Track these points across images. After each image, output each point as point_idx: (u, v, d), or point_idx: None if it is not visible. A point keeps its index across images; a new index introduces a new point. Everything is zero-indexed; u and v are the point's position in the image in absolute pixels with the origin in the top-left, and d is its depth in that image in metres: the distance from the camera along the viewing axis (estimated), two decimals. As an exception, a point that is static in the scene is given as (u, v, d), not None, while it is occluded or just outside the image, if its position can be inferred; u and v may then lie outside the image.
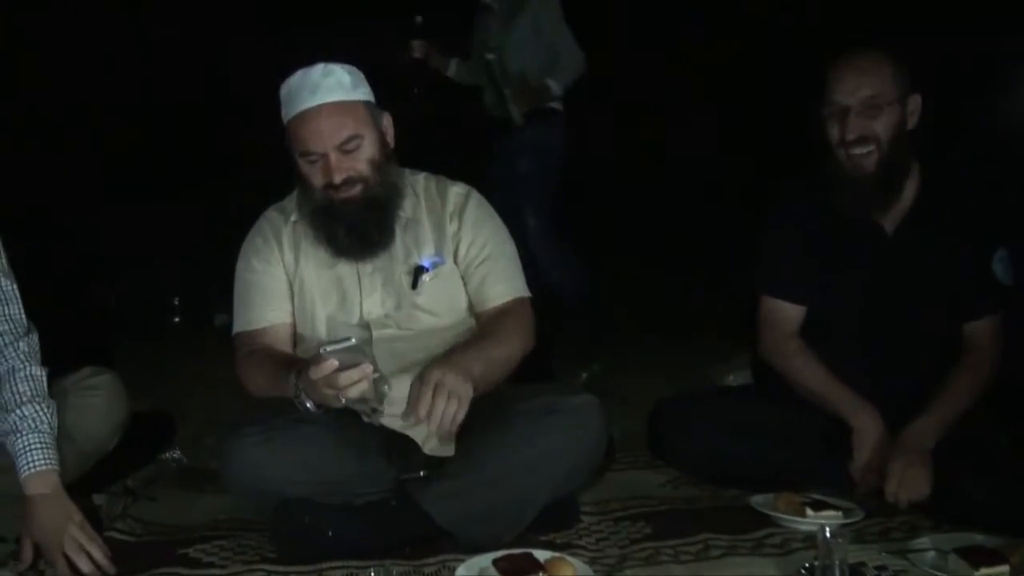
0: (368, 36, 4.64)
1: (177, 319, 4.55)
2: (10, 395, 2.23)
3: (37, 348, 2.38)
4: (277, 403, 2.20)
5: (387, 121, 2.42)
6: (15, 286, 2.42)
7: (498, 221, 2.52)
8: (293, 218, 2.45)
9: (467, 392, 2.12)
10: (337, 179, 2.28)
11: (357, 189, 2.31)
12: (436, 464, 2.28)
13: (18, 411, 2.19)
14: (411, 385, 2.17)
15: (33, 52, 6.63)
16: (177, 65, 7.17)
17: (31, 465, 2.14)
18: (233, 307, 2.49)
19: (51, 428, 2.21)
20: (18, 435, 2.16)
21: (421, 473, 2.27)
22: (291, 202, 2.49)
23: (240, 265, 2.49)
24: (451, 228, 2.45)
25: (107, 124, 6.72)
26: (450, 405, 2.09)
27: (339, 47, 2.51)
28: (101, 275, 4.79)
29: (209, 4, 7.25)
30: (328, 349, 2.04)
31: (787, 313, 2.61)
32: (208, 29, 7.28)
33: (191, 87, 7.08)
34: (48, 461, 2.16)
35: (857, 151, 2.44)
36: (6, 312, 2.39)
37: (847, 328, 2.55)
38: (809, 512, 2.26)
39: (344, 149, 2.29)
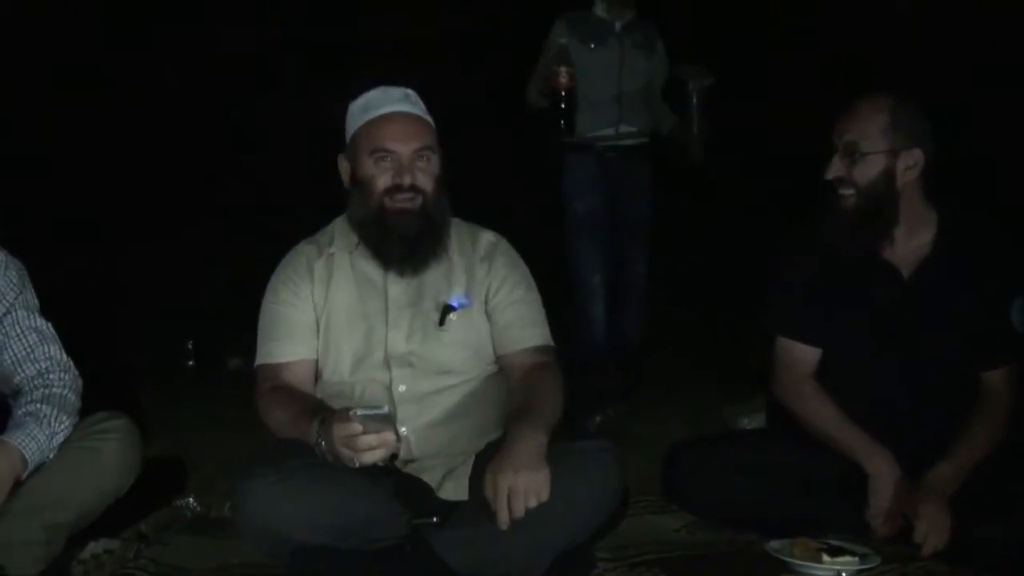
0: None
1: (191, 363, 4.56)
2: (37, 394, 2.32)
3: (79, 388, 2.43)
4: (290, 444, 2.22)
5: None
6: (50, 325, 2.47)
7: (526, 269, 2.54)
8: (329, 251, 2.47)
9: (544, 481, 2.10)
10: (407, 180, 2.34)
11: (417, 202, 2.36)
12: (450, 508, 2.28)
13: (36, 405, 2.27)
14: (485, 482, 2.13)
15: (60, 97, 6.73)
16: (199, 110, 7.26)
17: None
18: (257, 338, 2.49)
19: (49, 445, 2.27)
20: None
21: (434, 519, 2.26)
22: (324, 235, 2.52)
23: (268, 296, 2.49)
24: (481, 271, 2.47)
25: (125, 168, 6.79)
26: (531, 503, 2.08)
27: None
28: (115, 318, 4.81)
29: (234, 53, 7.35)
30: (360, 413, 2.07)
31: (801, 354, 2.61)
32: (232, 72, 7.39)
33: (212, 130, 7.17)
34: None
35: (839, 190, 2.50)
36: (47, 351, 2.42)
37: (861, 371, 2.54)
38: (826, 558, 2.24)
39: (418, 156, 2.36)
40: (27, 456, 2.24)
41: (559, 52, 3.88)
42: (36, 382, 2.39)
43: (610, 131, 4.08)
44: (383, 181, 2.36)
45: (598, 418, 3.63)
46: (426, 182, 2.37)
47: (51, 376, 2.40)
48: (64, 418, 2.33)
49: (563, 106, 3.77)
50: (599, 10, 4.09)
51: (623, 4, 4.08)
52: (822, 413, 2.54)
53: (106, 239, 6.19)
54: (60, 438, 2.31)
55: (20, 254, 2.52)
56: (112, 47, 7.03)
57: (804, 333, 2.60)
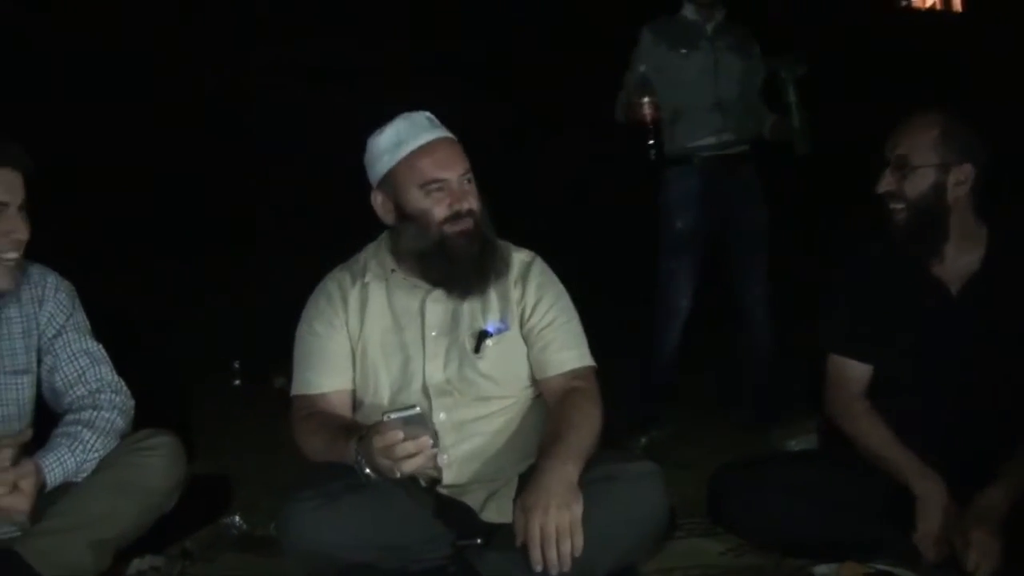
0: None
1: (237, 381, 4.59)
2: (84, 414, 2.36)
3: (128, 410, 2.47)
4: (334, 467, 2.21)
5: None
6: (101, 347, 2.51)
7: (561, 288, 2.51)
8: (364, 279, 2.45)
9: (575, 519, 2.09)
10: (464, 207, 2.34)
11: (471, 223, 2.36)
12: (493, 530, 2.27)
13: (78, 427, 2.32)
14: (515, 518, 2.13)
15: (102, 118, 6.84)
16: (244, 126, 7.36)
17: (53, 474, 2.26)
18: (293, 368, 2.49)
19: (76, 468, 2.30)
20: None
21: (478, 540, 2.25)
22: (358, 263, 2.50)
23: (302, 327, 2.48)
24: (515, 294, 2.45)
25: (170, 185, 6.89)
26: (563, 546, 2.07)
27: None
28: (162, 338, 4.86)
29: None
30: (392, 416, 2.06)
31: (853, 372, 2.58)
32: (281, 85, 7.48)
33: (256, 149, 7.25)
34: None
35: (889, 204, 2.49)
36: (98, 373, 2.46)
37: (910, 390, 2.52)
38: (873, 583, 2.22)
39: (465, 179, 2.37)
40: (48, 480, 2.26)
41: (640, 82, 3.73)
42: (85, 402, 2.43)
43: (711, 140, 3.85)
44: (440, 211, 2.34)
45: (644, 440, 3.60)
46: (474, 203, 2.38)
47: (101, 397, 2.44)
48: (101, 442, 2.36)
49: (651, 141, 3.62)
50: (688, 12, 3.90)
51: (712, 5, 3.88)
52: (872, 433, 2.51)
53: (154, 258, 6.27)
54: (92, 463, 2.34)
55: (69, 276, 2.56)
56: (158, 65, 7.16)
57: (855, 350, 2.58)
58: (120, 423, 2.43)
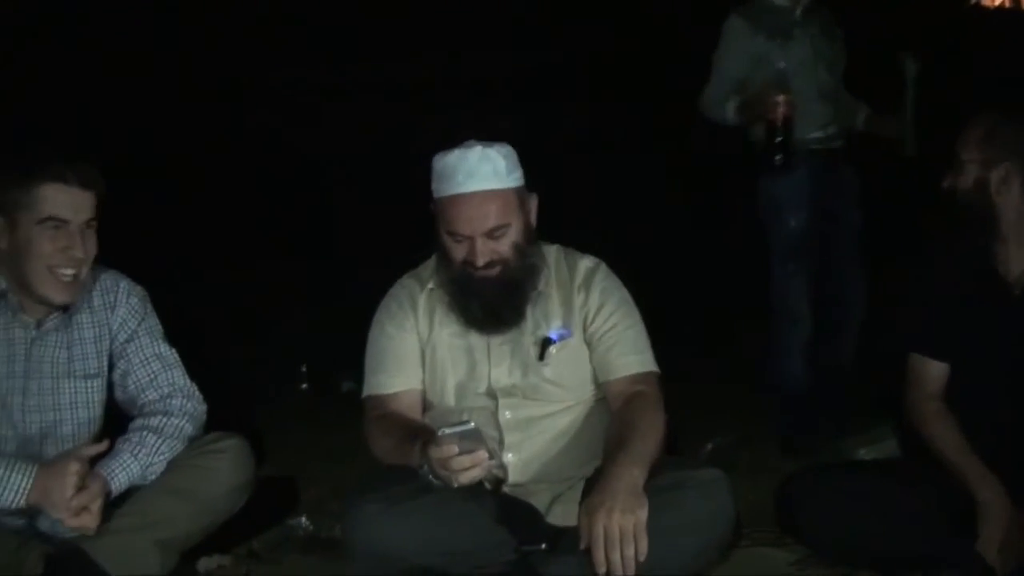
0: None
1: (304, 385, 4.64)
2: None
3: (199, 416, 2.52)
4: (400, 470, 2.26)
5: (533, 203, 2.48)
6: (174, 352, 2.56)
7: (625, 293, 2.53)
8: (430, 286, 2.51)
9: (640, 523, 2.09)
10: (480, 262, 2.35)
11: (496, 270, 2.37)
12: (558, 534, 2.29)
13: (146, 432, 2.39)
14: (579, 521, 2.14)
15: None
16: (315, 128, 7.45)
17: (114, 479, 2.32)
18: (364, 370, 2.55)
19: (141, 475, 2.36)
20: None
21: (543, 545, 2.27)
22: (426, 270, 2.56)
23: (374, 329, 2.55)
24: (578, 300, 2.48)
25: (237, 191, 6.99)
26: (627, 549, 2.07)
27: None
28: (230, 340, 4.93)
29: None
30: (447, 432, 2.10)
31: (929, 370, 2.57)
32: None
33: (321, 154, 7.34)
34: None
35: (951, 201, 2.54)
36: (170, 378, 2.52)
37: (977, 392, 2.50)
38: (943, 598, 2.18)
39: (491, 236, 2.36)
40: (113, 487, 2.32)
41: (777, 77, 3.51)
42: (156, 407, 2.48)
43: (818, 133, 3.63)
44: (459, 255, 2.39)
45: (709, 446, 3.56)
46: (504, 251, 2.38)
47: (172, 402, 2.49)
48: (167, 446, 2.41)
49: (779, 139, 3.42)
50: None
51: None
52: (943, 435, 2.50)
53: (225, 262, 6.37)
54: (159, 467, 2.39)
55: (139, 281, 2.61)
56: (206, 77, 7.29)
57: (932, 348, 2.57)
58: (189, 428, 2.48)
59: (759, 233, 3.73)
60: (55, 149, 2.41)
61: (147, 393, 2.51)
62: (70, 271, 2.36)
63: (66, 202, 2.33)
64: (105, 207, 2.44)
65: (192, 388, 2.55)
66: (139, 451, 2.37)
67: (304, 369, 4.65)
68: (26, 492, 2.23)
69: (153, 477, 2.38)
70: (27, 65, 6.66)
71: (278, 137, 7.47)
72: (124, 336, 2.53)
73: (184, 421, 2.47)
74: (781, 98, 3.40)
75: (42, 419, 2.44)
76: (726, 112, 3.60)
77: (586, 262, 2.54)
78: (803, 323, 3.65)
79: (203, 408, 2.55)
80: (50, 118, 6.11)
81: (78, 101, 6.63)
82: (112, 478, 2.31)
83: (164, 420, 2.44)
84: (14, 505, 2.24)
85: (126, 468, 2.34)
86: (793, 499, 2.60)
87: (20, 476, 2.23)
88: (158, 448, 2.39)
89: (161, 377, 2.52)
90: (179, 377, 2.55)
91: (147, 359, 2.53)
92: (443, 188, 2.38)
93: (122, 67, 6.94)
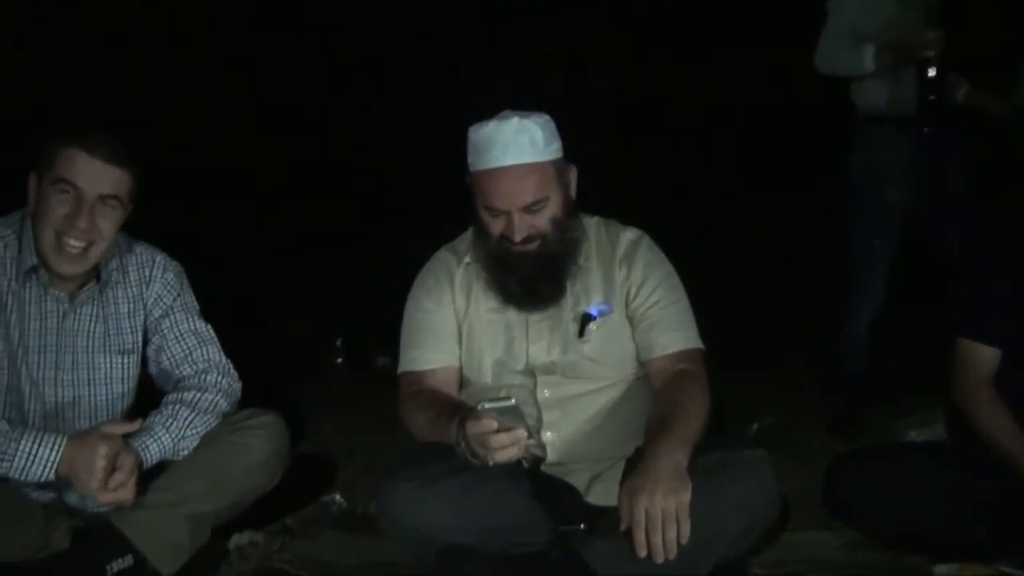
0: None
1: (340, 360, 4.67)
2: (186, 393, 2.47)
3: (234, 392, 2.55)
4: (436, 447, 2.26)
5: (572, 175, 2.46)
6: (210, 328, 2.59)
7: (669, 267, 2.51)
8: (467, 260, 2.51)
9: (683, 502, 2.06)
10: (518, 238, 2.34)
11: (535, 245, 2.36)
12: (598, 514, 2.29)
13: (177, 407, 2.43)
14: (620, 502, 2.12)
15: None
16: (347, 105, 7.46)
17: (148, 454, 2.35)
18: (400, 345, 2.55)
19: (173, 448, 2.39)
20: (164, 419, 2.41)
21: (581, 525, 2.28)
22: (463, 243, 2.55)
23: (410, 304, 2.55)
24: (620, 274, 2.46)
25: (275, 166, 7.04)
26: (669, 531, 2.05)
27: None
28: (264, 315, 4.97)
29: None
30: (487, 406, 2.09)
31: (982, 356, 2.54)
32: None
33: (353, 127, 7.35)
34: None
35: None
36: (205, 354, 2.55)
37: None
38: (996, 587, 2.17)
39: (528, 211, 2.34)
40: (145, 459, 2.35)
41: (926, 14, 3.34)
42: (191, 382, 2.51)
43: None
44: (497, 230, 2.38)
45: (755, 426, 3.55)
46: (543, 225, 2.36)
47: (207, 378, 2.52)
48: (200, 420, 2.44)
49: (930, 74, 3.28)
50: None
51: None
52: (994, 420, 2.47)
53: (260, 236, 6.41)
54: (191, 440, 2.42)
55: (176, 255, 2.64)
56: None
57: (985, 333, 2.54)
58: (223, 404, 2.50)
59: (838, 202, 3.63)
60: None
61: (182, 368, 2.54)
62: (78, 244, 2.37)
63: (83, 170, 2.34)
64: (139, 194, 2.45)
65: (227, 364, 2.58)
66: (171, 424, 2.40)
67: (339, 343, 4.67)
68: (54, 466, 2.25)
69: (185, 452, 2.41)
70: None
71: (328, 111, 7.50)
72: (159, 311, 2.55)
73: (219, 396, 2.49)
74: (934, 35, 3.29)
75: (75, 393, 2.48)
76: (862, 60, 3.38)
77: (628, 234, 2.52)
78: (875, 301, 3.58)
79: (238, 385, 2.57)
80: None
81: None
82: (144, 450, 2.34)
83: (199, 395, 2.46)
84: (42, 479, 2.27)
85: (158, 440, 2.37)
86: (842, 481, 2.59)
87: (48, 450, 2.25)
88: (191, 422, 2.42)
89: (196, 353, 2.55)
90: (215, 353, 2.57)
91: (182, 335, 2.56)
92: (479, 162, 2.36)
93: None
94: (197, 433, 2.43)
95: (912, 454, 2.80)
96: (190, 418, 2.42)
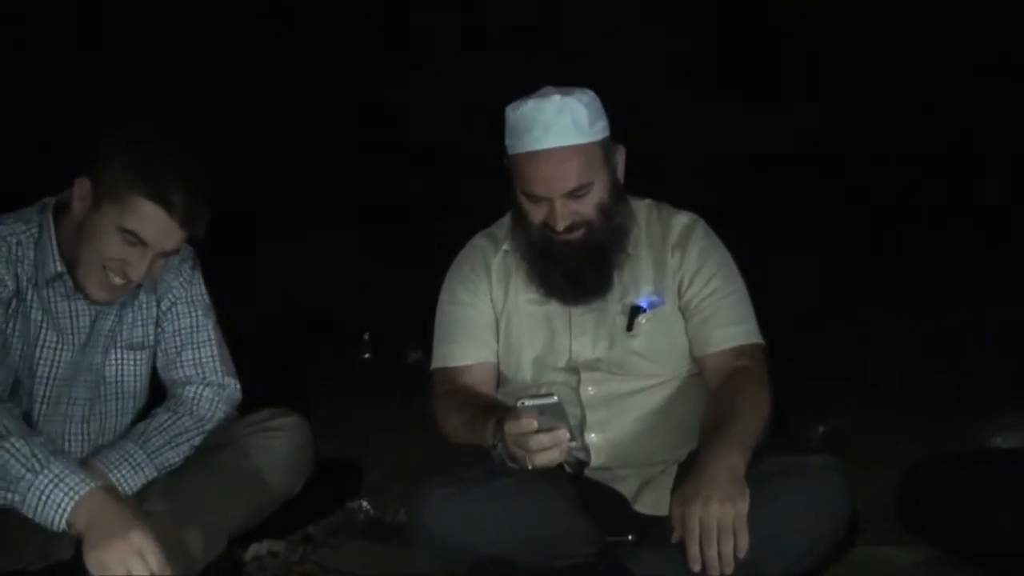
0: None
1: (367, 355, 4.68)
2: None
3: (230, 398, 2.53)
4: (471, 450, 2.23)
5: (620, 156, 2.41)
6: (211, 323, 2.58)
7: (726, 254, 2.48)
8: (505, 247, 2.48)
9: (739, 515, 2.02)
10: (560, 226, 2.30)
11: (579, 233, 2.34)
12: (648, 524, 2.25)
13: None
14: (671, 511, 2.09)
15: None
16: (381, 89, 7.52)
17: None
18: (433, 339, 2.52)
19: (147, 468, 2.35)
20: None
21: (630, 536, 2.24)
22: (501, 229, 2.53)
23: (445, 296, 2.53)
24: (673, 263, 2.43)
25: (300, 153, 7.11)
26: (725, 544, 2.01)
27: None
28: (290, 309, 4.97)
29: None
30: (527, 403, 2.06)
31: None
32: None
33: (382, 116, 7.41)
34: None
35: None
36: (195, 356, 2.55)
37: None
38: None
39: (572, 197, 2.30)
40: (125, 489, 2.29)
41: None
42: (170, 402, 2.50)
43: None
44: (537, 217, 2.34)
45: (821, 429, 3.52)
46: (588, 212, 2.32)
47: (186, 392, 2.51)
48: (176, 448, 2.40)
49: None
50: None
51: None
52: None
53: (284, 228, 6.45)
54: (170, 463, 2.37)
55: (200, 249, 2.60)
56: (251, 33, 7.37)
57: None
58: (218, 413, 2.49)
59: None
60: (189, 160, 2.33)
61: (168, 372, 2.54)
62: (121, 281, 2.35)
63: (157, 228, 2.30)
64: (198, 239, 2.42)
65: (217, 369, 2.53)
66: (148, 448, 2.37)
67: (367, 337, 4.67)
68: (64, 515, 2.02)
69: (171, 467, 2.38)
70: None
71: (368, 94, 7.57)
72: (167, 304, 2.54)
73: (216, 407, 2.49)
74: None
75: (88, 394, 2.46)
76: None
77: (682, 219, 2.48)
78: None
79: (229, 390, 2.53)
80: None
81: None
82: (122, 483, 2.30)
83: (171, 419, 2.44)
84: (55, 528, 2.05)
85: (138, 470, 2.34)
86: (919, 492, 2.50)
87: (62, 494, 2.03)
88: (162, 452, 2.38)
89: (185, 354, 2.53)
90: (207, 357, 2.54)
91: (178, 330, 2.54)
92: (518, 144, 2.32)
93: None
94: (179, 453, 2.40)
95: (998, 462, 2.72)
96: (160, 447, 2.39)
